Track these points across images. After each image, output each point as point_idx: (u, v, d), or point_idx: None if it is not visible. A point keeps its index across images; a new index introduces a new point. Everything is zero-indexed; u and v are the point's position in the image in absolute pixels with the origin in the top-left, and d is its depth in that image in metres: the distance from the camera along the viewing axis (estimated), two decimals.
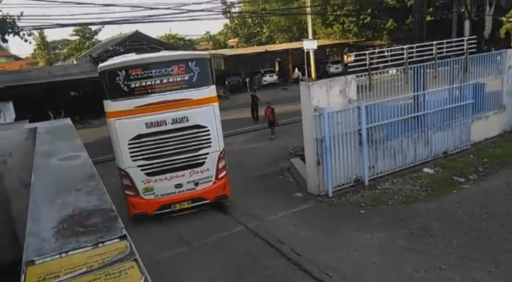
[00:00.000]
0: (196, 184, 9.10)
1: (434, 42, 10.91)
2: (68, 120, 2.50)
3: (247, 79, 32.75)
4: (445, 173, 10.31)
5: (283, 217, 8.88)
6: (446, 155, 11.34)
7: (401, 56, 10.51)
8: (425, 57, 10.81)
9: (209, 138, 8.99)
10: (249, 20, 46.55)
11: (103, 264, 0.83)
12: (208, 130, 8.94)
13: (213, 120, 8.96)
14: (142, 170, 8.70)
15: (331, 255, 7.08)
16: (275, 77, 34.49)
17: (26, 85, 22.24)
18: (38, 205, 1.09)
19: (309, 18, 31.40)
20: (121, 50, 25.60)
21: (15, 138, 2.33)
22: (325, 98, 9.36)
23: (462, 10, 21.77)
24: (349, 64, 10.22)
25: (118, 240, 0.88)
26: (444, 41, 11.16)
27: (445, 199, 8.91)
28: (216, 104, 9.01)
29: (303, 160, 10.69)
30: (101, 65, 8.83)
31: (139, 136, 8.50)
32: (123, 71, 8.29)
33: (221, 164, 9.25)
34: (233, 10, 43.88)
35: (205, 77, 8.78)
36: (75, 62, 36.21)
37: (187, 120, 8.71)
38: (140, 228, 8.92)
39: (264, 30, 46.05)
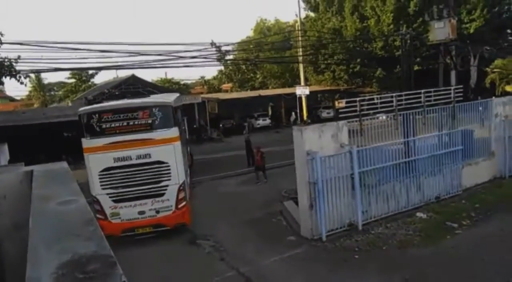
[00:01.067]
0: (157, 212, 10.30)
1: (422, 91, 11.25)
2: (64, 164, 2.49)
3: (245, 124, 33.06)
4: (438, 218, 10.27)
5: (276, 261, 8.67)
6: (439, 199, 11.34)
7: (391, 103, 10.78)
8: (414, 105, 11.10)
9: (169, 173, 10.22)
10: (243, 66, 47.79)
11: None
12: (169, 166, 10.20)
13: (173, 157, 10.23)
14: (109, 197, 10.10)
15: None
16: (268, 121, 35.06)
17: (20, 126, 22.23)
18: (37, 250, 1.07)
19: (301, 66, 32.39)
20: (117, 93, 25.90)
21: (10, 181, 2.31)
22: (318, 142, 9.46)
23: (448, 61, 22.64)
24: (340, 110, 10.44)
25: None
26: (432, 90, 11.52)
27: (439, 244, 8.81)
28: (177, 143, 10.34)
29: (296, 203, 10.62)
30: (80, 109, 10.53)
31: (107, 168, 9.96)
32: (97, 115, 9.95)
33: (181, 195, 10.40)
34: (227, 57, 45.22)
35: (167, 121, 10.23)
36: (70, 104, 36.50)
37: (150, 157, 10.07)
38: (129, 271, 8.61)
39: (258, 76, 47.19)
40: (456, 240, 9.00)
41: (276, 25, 49.03)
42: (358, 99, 10.28)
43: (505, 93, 26.50)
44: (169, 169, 10.16)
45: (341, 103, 10.68)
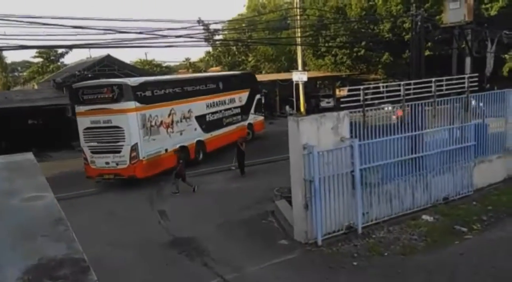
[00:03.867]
0: (117, 164, 15.60)
1: (433, 79, 11.34)
2: (30, 155, 2.50)
3: None
4: (446, 221, 10.42)
5: (266, 268, 8.75)
6: (447, 201, 11.51)
7: (398, 93, 10.86)
8: (423, 95, 11.19)
9: (124, 135, 15.34)
10: (234, 48, 47.56)
11: None
12: (123, 130, 15.32)
13: (127, 124, 15.31)
14: (89, 148, 16.00)
15: None
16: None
17: None
18: (0, 252, 1.08)
19: (299, 48, 32.30)
20: (90, 75, 25.68)
21: None
22: (315, 135, 9.51)
23: (463, 46, 22.73)
24: (341, 99, 10.50)
25: None
26: (444, 78, 11.62)
27: (446, 250, 8.96)
28: (130, 114, 15.32)
29: (290, 202, 10.70)
30: (73, 85, 17.35)
31: (87, 128, 15.86)
32: (81, 90, 16.08)
33: (133, 154, 15.38)
34: (216, 37, 44.92)
35: (122, 96, 15.31)
36: (36, 87, 36.06)
37: (111, 122, 15.46)
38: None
39: (250, 59, 47.03)
40: (465, 246, 9.15)
41: (272, 2, 48.86)
42: (362, 87, 10.33)
43: None
44: (123, 132, 15.32)
45: (342, 92, 10.74)
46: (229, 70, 47.34)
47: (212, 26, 37.51)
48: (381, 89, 11.37)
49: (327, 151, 9.43)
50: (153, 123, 16.31)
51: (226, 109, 21.64)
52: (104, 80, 18.18)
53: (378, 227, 10.18)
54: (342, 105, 10.19)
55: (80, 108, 16.00)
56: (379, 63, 35.30)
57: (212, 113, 20.43)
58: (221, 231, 10.97)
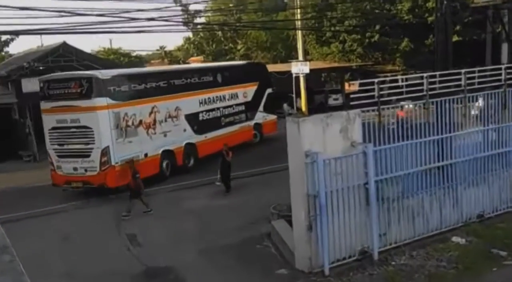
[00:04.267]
0: (86, 170, 16.11)
1: (463, 71, 11.41)
2: None
3: None
4: (481, 243, 10.46)
5: None
6: (482, 219, 11.55)
7: (421, 87, 10.91)
8: (451, 89, 11.25)
9: (93, 137, 15.82)
10: (219, 33, 47.63)
11: None
12: (92, 131, 15.82)
13: (97, 123, 15.75)
14: (55, 152, 16.60)
15: None
16: None
17: None
18: None
19: (299, 33, 32.35)
20: (41, 68, 25.53)
21: None
22: (321, 140, 9.52)
23: (499, 30, 22.89)
24: (351, 95, 10.53)
25: None
26: (476, 69, 11.70)
27: (482, 279, 8.98)
28: (101, 112, 15.78)
29: (290, 223, 10.68)
30: (38, 78, 17.70)
31: (52, 128, 16.55)
32: (47, 83, 16.74)
33: (104, 158, 15.78)
34: (197, 20, 44.98)
35: (92, 91, 15.81)
36: None
37: (79, 122, 15.97)
38: None
39: (239, 47, 47.11)
40: (504, 273, 9.18)
41: None
42: (376, 80, 10.37)
43: None
44: (93, 133, 15.83)
45: (353, 86, 10.78)
46: (213, 60, 47.42)
47: (192, 7, 37.54)
48: (400, 83, 11.41)
49: (335, 159, 9.43)
50: (129, 123, 16.72)
51: (225, 107, 21.89)
52: (72, 72, 19.09)
53: (399, 251, 10.19)
54: (352, 103, 10.23)
55: (45, 105, 16.62)
56: (397, 51, 35.42)
57: (207, 111, 20.72)
58: (204, 258, 10.92)
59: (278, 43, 43.65)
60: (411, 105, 11.45)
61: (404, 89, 11.02)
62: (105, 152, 15.70)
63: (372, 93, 10.11)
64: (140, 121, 17.11)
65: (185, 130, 19.24)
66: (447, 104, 11.16)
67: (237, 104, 22.58)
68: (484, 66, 12.26)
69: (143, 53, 58.23)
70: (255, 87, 23.89)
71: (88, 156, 15.91)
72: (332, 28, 36.29)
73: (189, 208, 14.95)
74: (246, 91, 23.19)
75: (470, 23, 30.61)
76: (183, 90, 19.31)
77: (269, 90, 25.22)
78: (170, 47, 57.25)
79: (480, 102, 12.08)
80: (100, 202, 15.68)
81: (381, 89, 10.23)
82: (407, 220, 10.56)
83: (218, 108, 21.31)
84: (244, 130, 22.61)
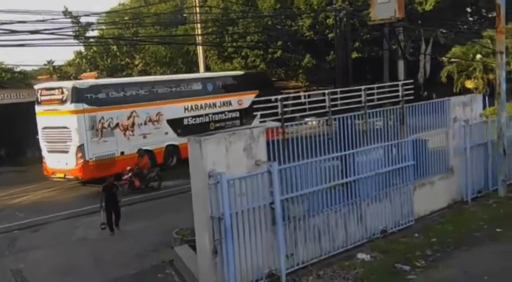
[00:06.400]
0: (66, 164, 20.54)
1: (363, 87, 11.94)
2: None
3: None
4: (385, 259, 10.88)
5: None
6: (385, 234, 12.05)
7: (323, 104, 11.27)
8: (352, 106, 11.73)
9: (71, 136, 20.32)
10: (114, 47, 46.57)
11: None
12: (70, 131, 20.32)
13: (74, 125, 20.16)
14: (45, 147, 21.51)
15: None
16: None
17: None
18: None
19: (199, 49, 32.46)
20: None
21: None
22: (224, 159, 9.50)
23: (395, 47, 24.26)
24: (254, 113, 10.65)
25: None
26: (375, 86, 12.28)
27: None
28: (78, 115, 20.12)
29: (194, 248, 10.54)
30: (35, 86, 23.22)
31: (43, 127, 21.52)
32: (40, 91, 21.84)
33: (79, 154, 20.06)
34: (90, 33, 43.66)
35: (70, 98, 20.31)
36: None
37: (60, 123, 20.58)
38: None
39: (137, 62, 46.33)
40: None
41: None
42: (279, 97, 10.56)
43: (465, 90, 29.25)
44: (70, 132, 20.32)
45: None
46: (109, 76, 46.20)
47: (84, 19, 36.37)
48: (303, 100, 11.70)
49: (240, 179, 9.43)
50: (105, 125, 21.02)
51: (214, 114, 25.35)
52: (57, 82, 27.70)
53: (306, 272, 10.33)
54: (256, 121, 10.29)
55: (39, 109, 21.77)
56: (300, 67, 36.40)
57: (193, 117, 24.44)
58: None
59: (177, 58, 43.44)
60: (315, 122, 11.78)
61: (307, 106, 11.32)
62: (80, 149, 20.06)
63: (276, 110, 10.28)
64: (117, 124, 21.33)
65: (166, 133, 23.18)
66: (348, 121, 11.57)
67: (229, 111, 25.99)
68: (382, 83, 12.92)
69: (29, 68, 55.44)
70: (251, 97, 24.78)
71: (67, 152, 20.44)
72: (234, 44, 36.72)
73: (84, 235, 14.34)
74: (241, 99, 26.17)
75: (369, 40, 32.18)
76: (165, 98, 23.35)
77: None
78: (59, 62, 54.96)
79: (378, 120, 12.70)
80: None
81: (284, 106, 10.42)
82: (314, 239, 10.76)
83: (206, 115, 24.94)
84: None
